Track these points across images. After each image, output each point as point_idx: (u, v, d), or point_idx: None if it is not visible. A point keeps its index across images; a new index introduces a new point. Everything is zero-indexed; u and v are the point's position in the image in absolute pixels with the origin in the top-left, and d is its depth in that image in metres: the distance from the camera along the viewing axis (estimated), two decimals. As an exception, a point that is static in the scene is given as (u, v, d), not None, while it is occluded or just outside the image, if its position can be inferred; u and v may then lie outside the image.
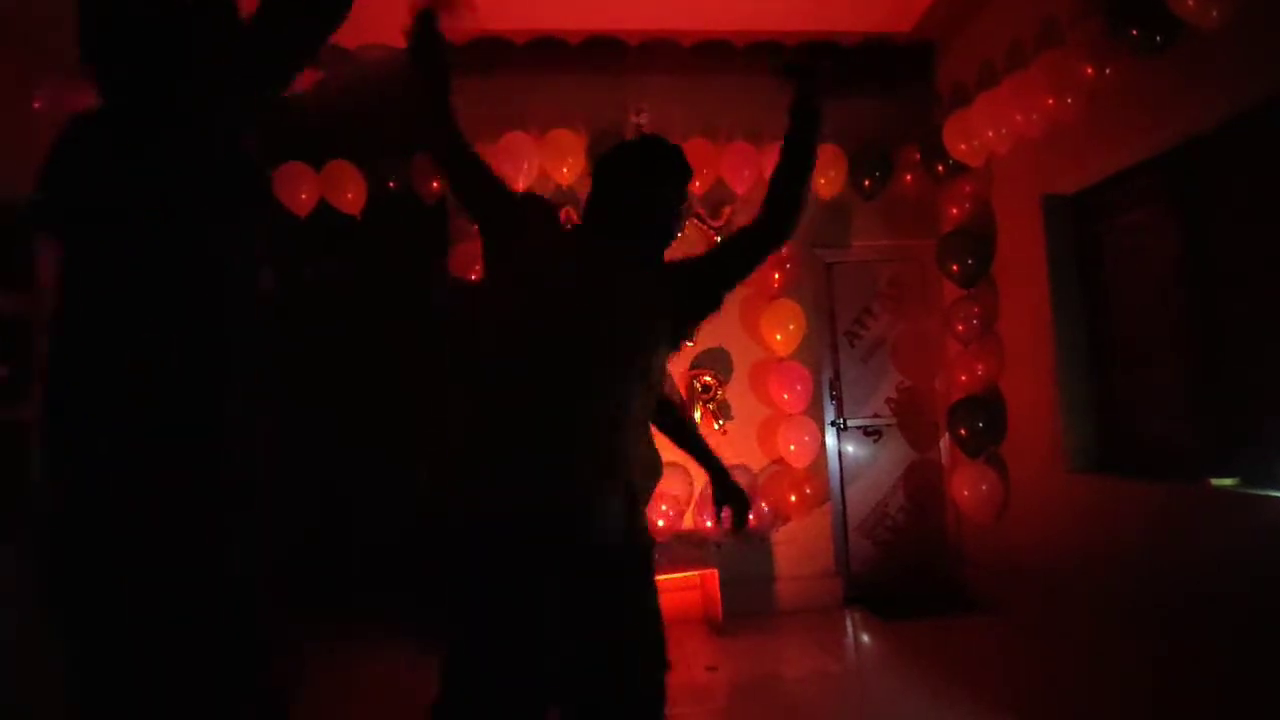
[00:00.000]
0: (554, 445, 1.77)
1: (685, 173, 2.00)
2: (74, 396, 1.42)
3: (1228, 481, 3.34)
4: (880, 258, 5.59)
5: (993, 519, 4.87)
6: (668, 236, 2.01)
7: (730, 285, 1.98)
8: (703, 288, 1.96)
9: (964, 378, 5.06)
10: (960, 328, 5.04)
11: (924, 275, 5.53)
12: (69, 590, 1.39)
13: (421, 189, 4.90)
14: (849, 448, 5.51)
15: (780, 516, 5.11)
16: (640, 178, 1.96)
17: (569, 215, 4.81)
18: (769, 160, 5.22)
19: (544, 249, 1.95)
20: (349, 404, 5.39)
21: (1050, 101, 3.91)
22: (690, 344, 5.11)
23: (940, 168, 4.94)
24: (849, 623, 4.97)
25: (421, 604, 2.89)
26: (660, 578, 2.07)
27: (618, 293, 1.86)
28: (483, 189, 1.98)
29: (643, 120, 5.09)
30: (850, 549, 5.42)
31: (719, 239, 1.96)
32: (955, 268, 5.03)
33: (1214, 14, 3.11)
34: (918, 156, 5.11)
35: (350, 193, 4.77)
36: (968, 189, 5.02)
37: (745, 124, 5.02)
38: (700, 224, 5.20)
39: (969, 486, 4.91)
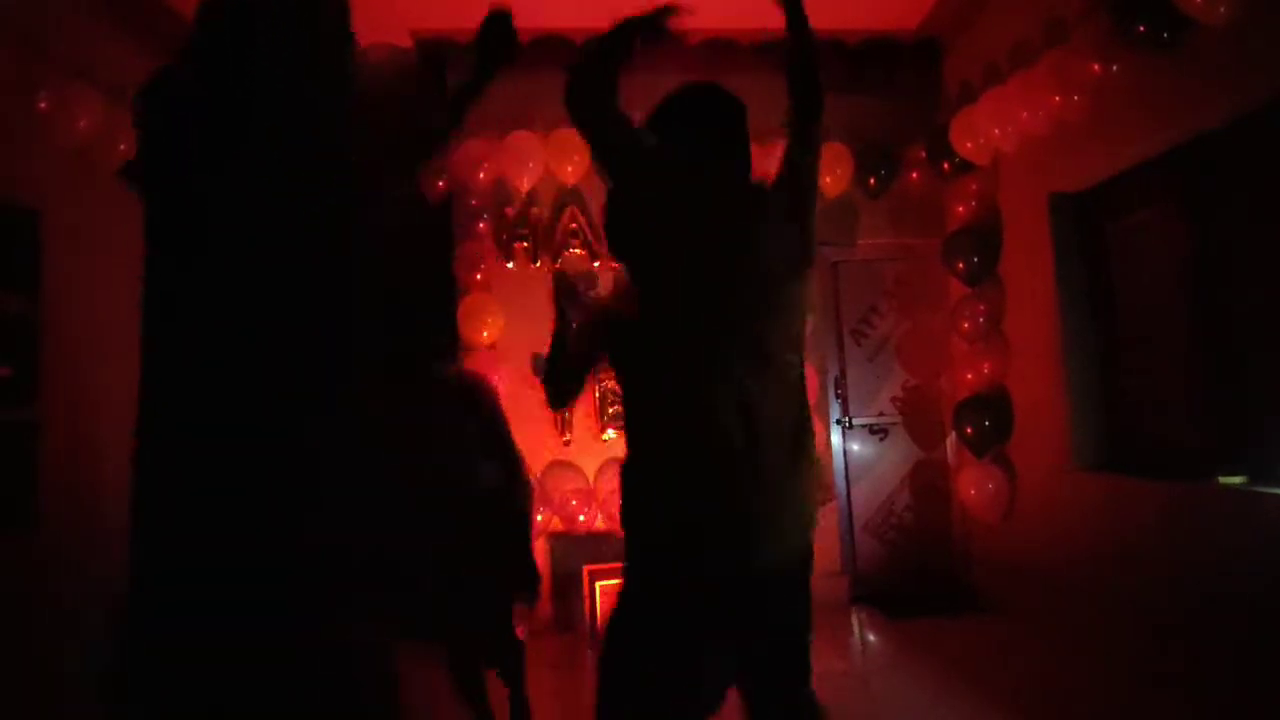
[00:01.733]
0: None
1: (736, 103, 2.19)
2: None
3: (1235, 480, 3.33)
4: (886, 256, 5.58)
5: (999, 518, 4.85)
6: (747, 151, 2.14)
7: (803, 190, 2.09)
8: (791, 197, 2.07)
9: (970, 376, 5.05)
10: (966, 326, 5.02)
11: (930, 273, 5.51)
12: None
13: (425, 189, 4.89)
14: (855, 446, 5.50)
15: (786, 515, 5.09)
16: (705, 117, 2.12)
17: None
18: (775, 158, 5.25)
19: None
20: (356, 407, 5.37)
21: (1056, 99, 3.90)
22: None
23: (946, 166, 4.93)
24: (855, 621, 4.96)
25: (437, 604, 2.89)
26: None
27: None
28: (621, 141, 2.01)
29: (648, 120, 5.06)
30: (856, 548, 5.41)
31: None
32: (961, 266, 5.01)
33: (1221, 10, 3.09)
34: (924, 155, 5.09)
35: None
36: (974, 187, 5.00)
37: (751, 122, 4.99)
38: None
39: (975, 485, 4.90)
